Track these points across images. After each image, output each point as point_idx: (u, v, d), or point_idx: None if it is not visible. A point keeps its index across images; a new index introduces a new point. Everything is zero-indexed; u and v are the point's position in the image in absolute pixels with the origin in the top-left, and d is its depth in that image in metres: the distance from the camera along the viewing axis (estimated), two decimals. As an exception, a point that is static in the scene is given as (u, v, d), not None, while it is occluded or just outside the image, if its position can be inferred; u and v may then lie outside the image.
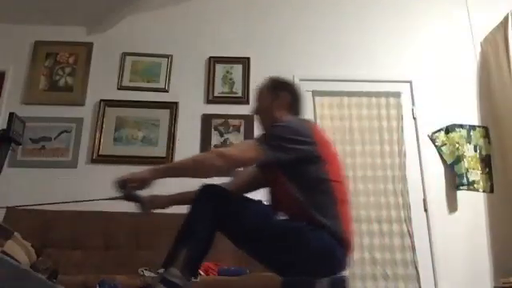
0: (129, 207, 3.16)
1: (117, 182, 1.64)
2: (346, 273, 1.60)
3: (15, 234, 2.37)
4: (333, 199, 1.58)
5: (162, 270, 1.52)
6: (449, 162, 3.37)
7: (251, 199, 1.65)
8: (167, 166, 1.69)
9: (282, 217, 1.56)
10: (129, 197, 1.67)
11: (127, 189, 1.64)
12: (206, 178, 1.62)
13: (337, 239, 1.53)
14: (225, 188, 1.65)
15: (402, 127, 3.49)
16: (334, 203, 1.58)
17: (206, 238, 1.53)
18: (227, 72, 3.59)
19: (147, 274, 2.48)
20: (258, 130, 3.38)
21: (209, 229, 1.53)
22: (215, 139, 3.38)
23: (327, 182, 1.59)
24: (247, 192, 1.81)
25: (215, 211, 1.53)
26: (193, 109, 3.47)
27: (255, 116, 1.89)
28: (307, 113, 3.48)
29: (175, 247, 1.53)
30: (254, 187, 1.83)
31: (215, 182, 1.66)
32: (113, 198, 1.70)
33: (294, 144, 1.57)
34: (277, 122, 1.71)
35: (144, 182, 1.63)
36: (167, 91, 3.52)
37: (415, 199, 3.29)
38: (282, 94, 1.82)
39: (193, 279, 1.57)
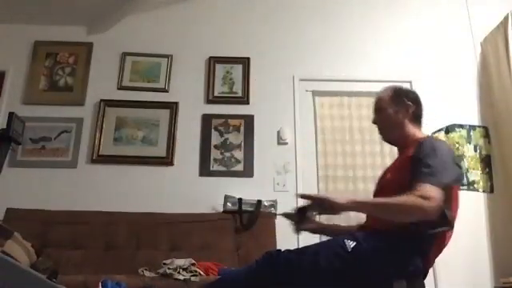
0: (129, 207, 3.18)
1: (312, 200, 1.58)
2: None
3: (15, 234, 2.37)
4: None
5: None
6: (449, 162, 3.36)
7: (314, 247, 1.56)
8: (371, 202, 1.58)
9: (351, 243, 1.49)
10: (301, 218, 1.62)
11: (309, 208, 1.59)
12: (404, 221, 1.49)
13: (419, 247, 1.54)
14: (285, 251, 1.55)
15: (402, 127, 3.48)
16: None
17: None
18: (227, 72, 3.59)
19: (147, 274, 2.49)
20: (257, 130, 3.39)
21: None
22: (215, 139, 3.38)
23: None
24: None
25: (277, 280, 1.46)
26: (193, 109, 3.47)
27: (377, 126, 1.84)
28: (307, 113, 3.50)
29: None
30: None
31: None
32: (287, 213, 1.66)
33: (454, 165, 1.59)
34: (405, 134, 1.73)
35: (335, 210, 1.52)
36: (167, 91, 3.52)
37: (415, 199, 3.29)
38: (406, 103, 1.78)
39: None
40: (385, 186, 1.73)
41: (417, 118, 1.80)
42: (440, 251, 1.60)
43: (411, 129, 1.75)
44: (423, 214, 1.44)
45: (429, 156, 1.55)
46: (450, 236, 1.61)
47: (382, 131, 1.83)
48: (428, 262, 1.58)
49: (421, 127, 1.80)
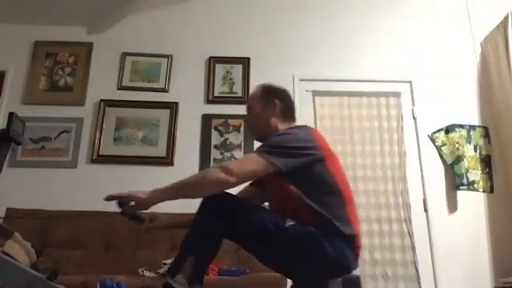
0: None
1: (118, 199, 1.59)
2: (357, 272, 1.59)
3: (15, 234, 2.37)
4: (341, 201, 1.59)
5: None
6: (449, 162, 3.37)
7: (259, 206, 1.63)
8: (166, 188, 1.60)
9: (290, 222, 1.53)
10: (126, 215, 1.62)
11: (127, 207, 1.59)
12: (207, 195, 1.56)
13: (347, 241, 1.53)
14: (231, 194, 1.60)
15: (402, 127, 3.49)
16: (343, 205, 1.58)
17: (212, 247, 1.52)
18: (227, 72, 3.59)
19: (147, 274, 2.49)
20: (258, 130, 3.39)
21: (215, 237, 1.52)
22: (215, 139, 3.38)
23: (334, 184, 1.60)
24: None
25: (222, 219, 1.51)
26: (193, 109, 3.47)
27: (247, 125, 1.87)
28: (307, 113, 3.50)
29: (181, 255, 1.52)
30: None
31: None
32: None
33: (297, 150, 1.57)
34: (272, 130, 1.72)
35: (141, 205, 1.58)
36: (167, 91, 3.52)
37: (415, 199, 3.30)
38: (273, 101, 1.81)
39: (198, 286, 1.57)
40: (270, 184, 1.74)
41: (286, 115, 1.81)
42: (358, 246, 1.60)
43: (279, 125, 1.76)
44: (218, 183, 1.51)
45: (274, 137, 1.64)
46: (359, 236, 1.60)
47: (250, 128, 1.87)
48: (347, 259, 1.56)
49: (292, 122, 1.81)
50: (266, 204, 1.82)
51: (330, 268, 1.51)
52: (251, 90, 3.48)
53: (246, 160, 1.63)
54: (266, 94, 1.85)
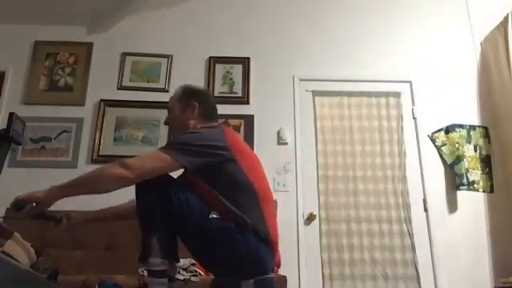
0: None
1: (14, 204, 1.53)
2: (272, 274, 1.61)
3: (15, 234, 2.37)
4: (256, 200, 1.59)
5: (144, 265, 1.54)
6: (449, 162, 3.37)
7: (190, 193, 1.61)
8: (64, 184, 1.59)
9: (214, 215, 1.54)
10: (34, 216, 1.59)
11: (29, 209, 1.54)
12: (107, 191, 1.55)
13: (261, 240, 1.53)
14: (164, 178, 1.59)
15: (402, 127, 3.49)
16: (257, 204, 1.59)
17: (166, 221, 1.52)
18: (227, 72, 3.59)
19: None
20: (258, 130, 3.39)
21: (163, 212, 1.52)
22: (215, 139, 3.37)
23: (247, 183, 1.59)
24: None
25: (160, 199, 1.52)
26: (193, 109, 3.47)
27: (168, 127, 1.86)
28: (307, 113, 3.50)
29: (144, 240, 1.55)
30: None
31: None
32: (12, 217, 1.65)
33: (202, 148, 1.57)
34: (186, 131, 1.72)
35: (41, 204, 1.55)
36: (167, 91, 3.51)
37: (415, 199, 3.29)
38: (192, 103, 1.80)
39: (176, 264, 1.61)
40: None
41: (204, 117, 1.81)
42: (273, 247, 1.60)
43: (197, 127, 1.76)
44: (115, 179, 1.52)
45: (181, 136, 1.65)
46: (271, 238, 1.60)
47: (171, 131, 1.86)
48: (262, 260, 1.56)
49: (211, 123, 1.81)
50: None
51: (245, 267, 1.52)
52: (251, 89, 3.53)
53: (147, 156, 1.62)
54: (185, 96, 1.85)
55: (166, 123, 1.90)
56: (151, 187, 1.54)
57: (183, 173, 1.69)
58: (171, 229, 1.54)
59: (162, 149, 1.60)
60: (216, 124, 1.84)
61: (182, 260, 2.45)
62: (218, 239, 1.51)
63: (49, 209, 1.62)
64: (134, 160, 1.57)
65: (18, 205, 1.52)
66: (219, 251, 1.53)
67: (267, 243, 1.56)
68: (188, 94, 1.86)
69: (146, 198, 1.54)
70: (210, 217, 1.53)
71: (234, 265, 1.53)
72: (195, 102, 1.81)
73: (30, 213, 1.56)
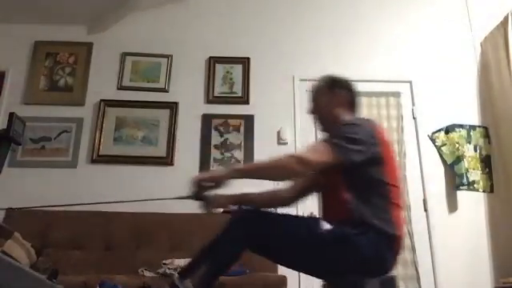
0: (129, 207, 3.18)
1: (193, 181, 1.59)
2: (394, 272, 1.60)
3: (15, 233, 2.38)
4: (389, 203, 1.56)
5: (176, 276, 1.52)
6: (449, 162, 3.37)
7: (290, 216, 1.60)
8: (246, 167, 1.66)
9: (327, 224, 1.51)
10: (198, 196, 1.63)
11: (200, 188, 1.60)
12: (282, 181, 1.66)
13: (388, 242, 1.52)
14: (261, 211, 1.61)
15: (402, 127, 3.49)
16: (390, 207, 1.56)
17: (229, 261, 1.50)
18: (227, 72, 3.59)
19: (147, 273, 2.49)
20: (257, 130, 3.39)
21: (235, 252, 1.50)
22: (215, 139, 3.38)
23: (385, 185, 1.57)
24: (303, 196, 1.84)
25: (249, 235, 1.49)
26: (193, 109, 3.47)
27: (312, 116, 1.83)
28: (307, 113, 3.49)
29: (197, 261, 1.52)
30: (310, 192, 1.82)
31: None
32: (182, 197, 1.67)
33: (363, 145, 1.55)
34: (338, 121, 1.69)
35: (220, 181, 1.59)
36: (167, 91, 3.52)
37: (415, 199, 3.29)
38: (339, 92, 1.77)
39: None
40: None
41: (350, 105, 1.78)
42: (398, 248, 1.58)
43: (345, 116, 1.73)
44: (294, 174, 1.57)
45: (342, 127, 1.61)
46: (401, 237, 1.58)
47: (317, 121, 1.83)
48: (386, 259, 1.55)
49: (355, 112, 1.79)
50: None
51: (368, 270, 1.50)
52: (251, 89, 3.53)
53: (319, 150, 1.57)
54: (330, 85, 1.81)
55: (310, 112, 1.86)
56: (248, 221, 1.52)
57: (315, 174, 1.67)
58: (228, 268, 1.51)
59: (329, 144, 1.56)
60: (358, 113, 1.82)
61: (181, 260, 2.46)
62: (336, 249, 1.48)
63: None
64: (309, 156, 1.54)
65: (196, 183, 1.58)
66: (340, 261, 1.49)
67: (392, 244, 1.53)
68: (333, 82, 1.82)
69: (236, 230, 1.51)
70: (322, 231, 1.50)
71: (358, 269, 1.50)
72: (341, 90, 1.79)
73: (201, 192, 1.62)
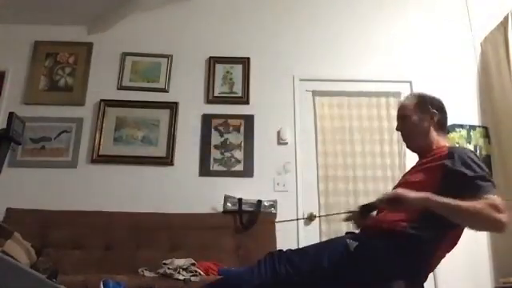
0: (129, 207, 3.18)
1: (387, 199, 1.50)
2: None
3: (15, 233, 2.37)
4: (444, 241, 1.58)
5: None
6: (449, 162, 3.36)
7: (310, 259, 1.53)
8: (441, 199, 1.44)
9: (354, 244, 1.50)
10: (364, 215, 1.62)
11: (377, 205, 1.56)
12: (475, 229, 1.53)
13: (421, 257, 1.54)
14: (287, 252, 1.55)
15: (402, 127, 3.48)
16: (441, 246, 1.59)
17: None
18: (227, 72, 3.59)
19: (147, 274, 2.49)
20: (257, 130, 3.39)
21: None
22: (215, 139, 3.38)
23: (452, 227, 1.55)
24: None
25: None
26: (193, 109, 3.47)
27: (401, 133, 1.81)
28: (307, 113, 3.50)
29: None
30: None
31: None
32: (350, 211, 1.66)
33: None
34: (430, 142, 1.71)
35: (404, 205, 1.48)
36: (167, 91, 3.52)
37: (415, 199, 3.29)
38: (431, 110, 1.76)
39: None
40: (407, 187, 1.59)
41: (441, 126, 1.79)
42: (442, 256, 1.60)
43: (435, 136, 1.74)
44: (497, 226, 1.41)
45: (473, 168, 1.53)
46: (453, 244, 1.60)
47: (406, 138, 1.81)
48: (429, 266, 1.57)
49: (445, 135, 1.79)
50: None
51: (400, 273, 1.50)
52: (251, 89, 3.53)
53: (499, 201, 1.45)
54: (423, 103, 1.80)
55: (398, 129, 1.85)
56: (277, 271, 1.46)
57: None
58: None
59: (492, 190, 1.49)
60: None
61: (181, 260, 2.46)
62: (368, 263, 1.48)
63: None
64: (501, 203, 1.43)
65: (390, 202, 1.50)
66: (373, 270, 1.49)
67: (426, 254, 1.54)
68: (426, 101, 1.81)
69: (265, 277, 1.46)
70: (352, 249, 1.49)
71: (386, 272, 1.49)
72: (434, 109, 1.77)
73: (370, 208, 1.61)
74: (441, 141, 1.74)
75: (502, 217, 1.38)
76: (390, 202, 1.49)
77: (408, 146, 1.82)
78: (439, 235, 1.54)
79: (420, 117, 1.77)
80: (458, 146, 1.72)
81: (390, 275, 1.48)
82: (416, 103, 1.81)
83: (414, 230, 1.50)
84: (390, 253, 1.48)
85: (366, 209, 1.66)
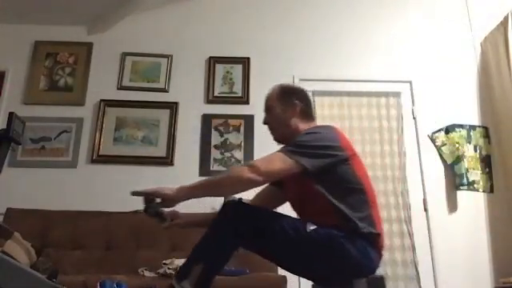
0: (129, 207, 3.17)
1: (145, 197, 1.57)
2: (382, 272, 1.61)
3: (15, 233, 2.38)
4: (365, 201, 1.58)
5: (174, 278, 1.51)
6: (449, 162, 3.37)
7: (277, 213, 1.62)
8: (194, 186, 1.58)
9: (311, 226, 1.52)
10: (150, 213, 1.61)
11: (153, 204, 1.57)
12: (234, 193, 1.59)
13: (371, 241, 1.53)
14: (249, 204, 1.60)
15: (401, 127, 3.49)
16: (367, 205, 1.58)
17: (224, 257, 1.51)
18: (227, 72, 3.59)
19: (147, 273, 2.49)
20: (257, 131, 3.39)
21: (229, 247, 1.51)
22: (215, 139, 3.38)
23: (359, 184, 1.59)
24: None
25: (238, 230, 1.49)
26: (193, 109, 3.47)
27: (267, 126, 1.84)
28: (307, 113, 3.50)
29: (192, 261, 1.51)
30: (272, 207, 1.80)
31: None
32: (134, 211, 1.66)
33: (323, 150, 1.57)
34: (293, 131, 1.71)
35: (169, 202, 1.58)
36: (167, 91, 3.52)
37: (415, 199, 3.30)
38: (293, 101, 1.78)
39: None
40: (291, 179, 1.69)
41: (305, 115, 1.79)
42: (381, 246, 1.59)
43: (300, 126, 1.75)
44: (245, 182, 1.50)
45: (301, 136, 1.63)
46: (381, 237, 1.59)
47: (272, 130, 1.83)
48: (372, 259, 1.56)
49: (310, 122, 1.79)
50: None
51: (355, 269, 1.51)
52: (251, 89, 3.52)
53: (272, 159, 1.57)
54: (285, 95, 1.81)
55: (265, 123, 1.86)
56: (236, 215, 1.52)
57: (292, 176, 1.64)
58: (224, 264, 1.51)
59: (284, 151, 1.57)
60: (318, 124, 1.83)
61: (181, 260, 2.46)
62: (323, 250, 1.50)
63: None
64: (261, 163, 1.54)
65: (148, 199, 1.55)
66: (327, 260, 1.51)
67: (374, 244, 1.54)
68: (288, 92, 1.83)
69: (226, 225, 1.51)
70: (308, 231, 1.51)
71: (343, 268, 1.51)
72: (296, 100, 1.79)
73: (155, 209, 1.60)
74: (300, 126, 1.75)
75: (252, 176, 1.49)
76: (159, 202, 1.56)
77: (274, 138, 1.84)
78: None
79: (283, 108, 1.78)
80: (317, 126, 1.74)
81: (337, 263, 1.51)
82: (279, 95, 1.82)
83: (334, 203, 1.55)
84: (339, 242, 1.50)
85: (153, 214, 1.63)
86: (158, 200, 1.58)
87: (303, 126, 1.75)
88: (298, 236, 1.50)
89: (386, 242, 3.16)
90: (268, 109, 1.83)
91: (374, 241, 1.54)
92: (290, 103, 1.78)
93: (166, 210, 1.68)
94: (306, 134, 1.65)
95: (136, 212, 1.63)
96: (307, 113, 1.80)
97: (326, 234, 1.50)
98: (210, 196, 1.61)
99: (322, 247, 1.50)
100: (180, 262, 2.43)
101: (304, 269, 1.59)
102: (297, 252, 1.52)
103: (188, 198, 1.57)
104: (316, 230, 1.51)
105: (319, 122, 3.44)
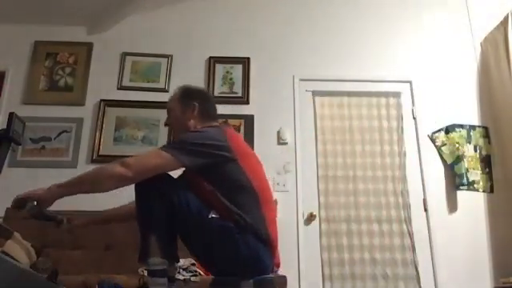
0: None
1: (14, 202, 1.56)
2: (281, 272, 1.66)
3: (15, 234, 2.37)
4: (256, 201, 1.60)
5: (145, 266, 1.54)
6: (449, 162, 3.37)
7: (189, 192, 1.61)
8: (65, 183, 1.60)
9: (213, 214, 1.55)
10: (36, 216, 1.59)
11: (31, 207, 1.56)
12: (107, 190, 1.55)
13: (261, 240, 1.54)
14: (162, 177, 1.59)
15: (402, 127, 3.49)
16: (258, 205, 1.60)
17: (166, 221, 1.53)
18: (227, 72, 3.59)
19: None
20: (258, 131, 3.39)
21: (163, 212, 1.53)
22: (215, 139, 3.37)
23: (248, 183, 1.60)
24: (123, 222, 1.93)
25: (160, 189, 1.53)
26: (193, 109, 3.47)
27: (168, 128, 1.89)
28: (307, 113, 3.50)
29: (143, 240, 1.57)
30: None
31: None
32: (12, 217, 1.65)
33: (203, 147, 1.58)
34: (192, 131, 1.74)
35: (43, 202, 1.58)
36: (167, 91, 3.52)
37: (415, 199, 3.29)
38: (192, 103, 1.80)
39: (176, 264, 1.62)
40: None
41: (203, 115, 1.81)
42: (272, 248, 1.62)
43: (198, 126, 1.77)
44: (116, 178, 1.51)
45: (185, 134, 1.67)
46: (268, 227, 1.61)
47: (173, 131, 1.88)
48: (261, 259, 1.57)
49: (210, 121, 1.81)
50: None
51: (244, 266, 1.52)
52: (251, 89, 3.52)
53: (148, 155, 1.64)
54: (184, 97, 1.85)
55: (166, 124, 1.90)
56: (151, 186, 1.54)
57: (184, 172, 1.69)
58: (171, 229, 1.55)
59: (162, 147, 1.61)
60: (216, 124, 1.84)
61: (181, 260, 2.45)
62: (217, 239, 1.52)
63: (49, 208, 1.60)
64: (134, 159, 1.56)
65: (19, 203, 1.53)
66: (218, 251, 1.54)
67: (267, 244, 1.57)
68: (187, 94, 1.86)
69: (146, 197, 1.55)
70: (210, 216, 1.53)
71: (232, 264, 1.53)
72: (195, 102, 1.81)
73: (31, 212, 1.58)
74: (198, 127, 1.76)
75: (122, 171, 1.50)
76: (19, 204, 1.55)
77: (174, 138, 1.86)
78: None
79: (182, 110, 1.81)
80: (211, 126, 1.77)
81: (231, 254, 1.54)
82: (178, 97, 1.86)
83: (226, 197, 1.57)
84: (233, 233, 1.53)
85: (42, 217, 1.65)
86: (34, 203, 1.57)
87: (201, 126, 1.76)
88: (199, 218, 1.52)
89: (386, 241, 3.17)
90: (168, 110, 1.87)
91: (265, 240, 1.56)
92: (188, 104, 1.80)
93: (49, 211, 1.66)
94: (192, 132, 1.68)
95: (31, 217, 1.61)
96: (207, 114, 1.82)
97: (222, 225, 1.52)
98: (85, 193, 1.62)
99: (218, 236, 1.52)
100: (180, 261, 2.43)
101: (200, 252, 1.62)
102: (195, 233, 1.55)
103: (61, 196, 1.60)
104: (216, 218, 1.53)
105: (319, 121, 3.47)
